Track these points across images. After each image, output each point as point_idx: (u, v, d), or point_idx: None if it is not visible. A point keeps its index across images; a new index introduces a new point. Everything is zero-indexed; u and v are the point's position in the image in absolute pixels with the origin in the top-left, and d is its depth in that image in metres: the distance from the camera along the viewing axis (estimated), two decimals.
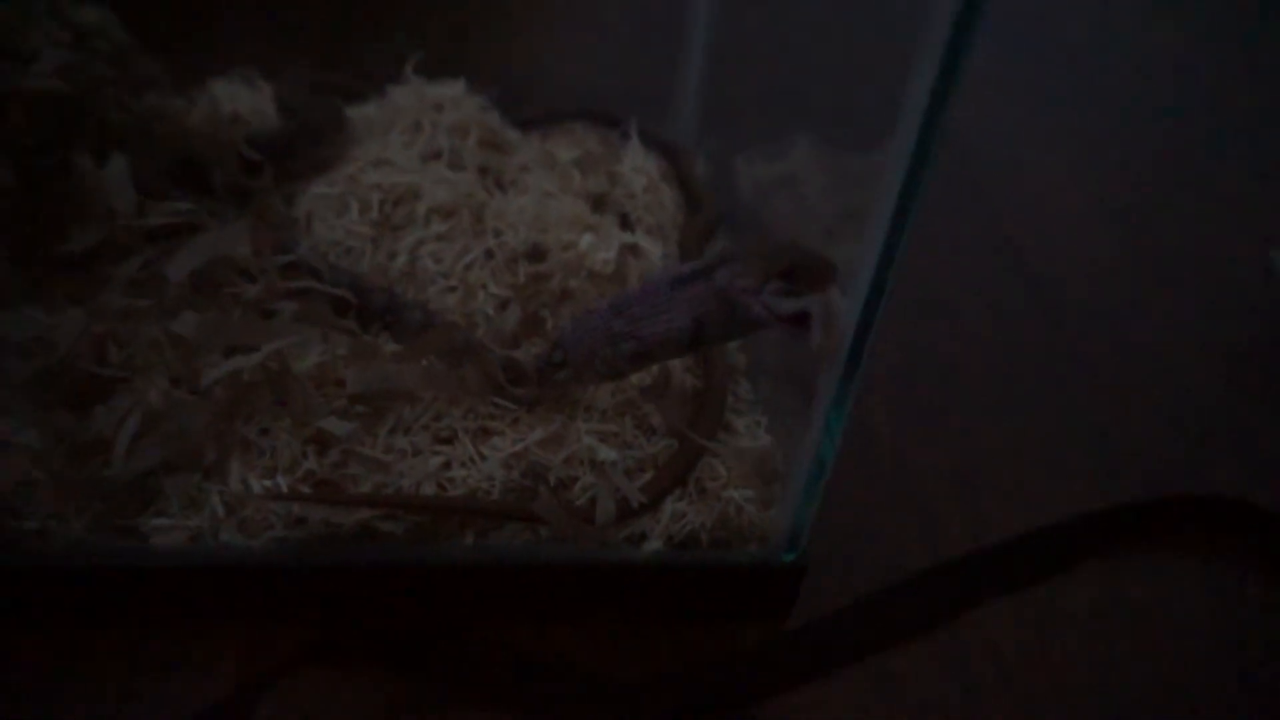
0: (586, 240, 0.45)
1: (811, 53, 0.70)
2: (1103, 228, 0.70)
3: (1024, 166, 0.77)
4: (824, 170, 0.53)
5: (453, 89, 0.53)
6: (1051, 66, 0.94)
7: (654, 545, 0.37)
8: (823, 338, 0.31)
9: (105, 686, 0.35)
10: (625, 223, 0.49)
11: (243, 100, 0.56)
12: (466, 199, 0.48)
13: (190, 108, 0.53)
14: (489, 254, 0.46)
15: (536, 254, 0.45)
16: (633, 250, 0.44)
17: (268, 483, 0.35)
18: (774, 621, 0.40)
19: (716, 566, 0.37)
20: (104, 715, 0.34)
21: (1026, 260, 0.65)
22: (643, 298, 0.35)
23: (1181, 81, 0.95)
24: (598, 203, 0.50)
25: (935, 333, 0.58)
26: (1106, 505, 0.46)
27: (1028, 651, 0.40)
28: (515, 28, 0.75)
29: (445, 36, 0.69)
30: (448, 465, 0.37)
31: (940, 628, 0.40)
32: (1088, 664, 0.40)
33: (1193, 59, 1.00)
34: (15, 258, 0.41)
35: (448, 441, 0.38)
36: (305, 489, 0.36)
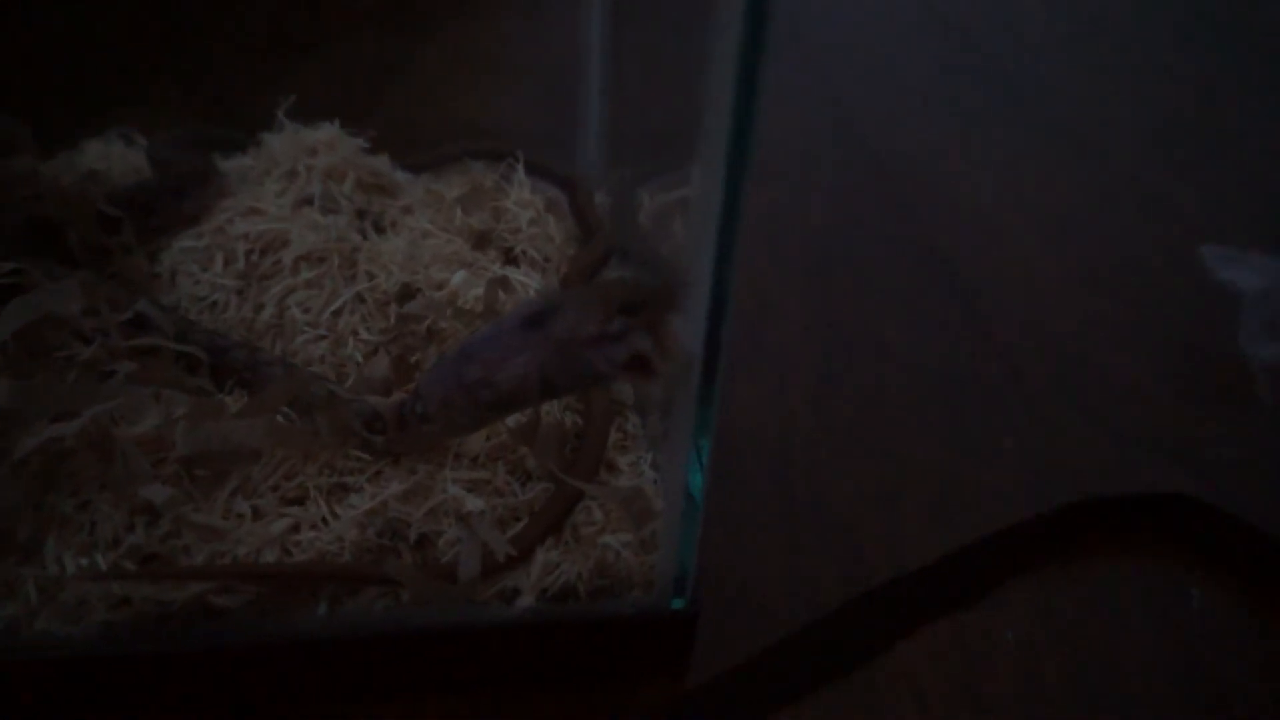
0: (458, 277, 0.42)
1: (689, 81, 0.69)
2: (1031, 237, 0.68)
3: (951, 179, 0.75)
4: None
5: (326, 132, 0.51)
6: (975, 80, 0.93)
7: (526, 601, 0.34)
8: (666, 367, 0.28)
9: None
10: (509, 258, 0.47)
11: (116, 159, 0.54)
12: (337, 244, 0.45)
13: (53, 169, 0.51)
14: (359, 299, 0.43)
15: (406, 295, 0.42)
16: (502, 284, 0.41)
17: (84, 561, 0.32)
18: (669, 679, 0.36)
19: (597, 618, 0.34)
20: None
21: (956, 272, 0.63)
22: (492, 340, 0.32)
23: (1105, 87, 0.94)
24: (481, 239, 0.48)
25: (860, 352, 0.55)
26: (1030, 516, 0.43)
27: (953, 688, 0.37)
28: (419, 75, 0.74)
29: (345, 85, 0.68)
30: (296, 528, 0.34)
31: (857, 670, 0.37)
32: (1016, 699, 0.36)
33: (1114, 64, 1.00)
34: None
35: (298, 502, 0.35)
36: (130, 565, 0.32)
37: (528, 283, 0.43)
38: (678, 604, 0.34)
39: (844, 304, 0.60)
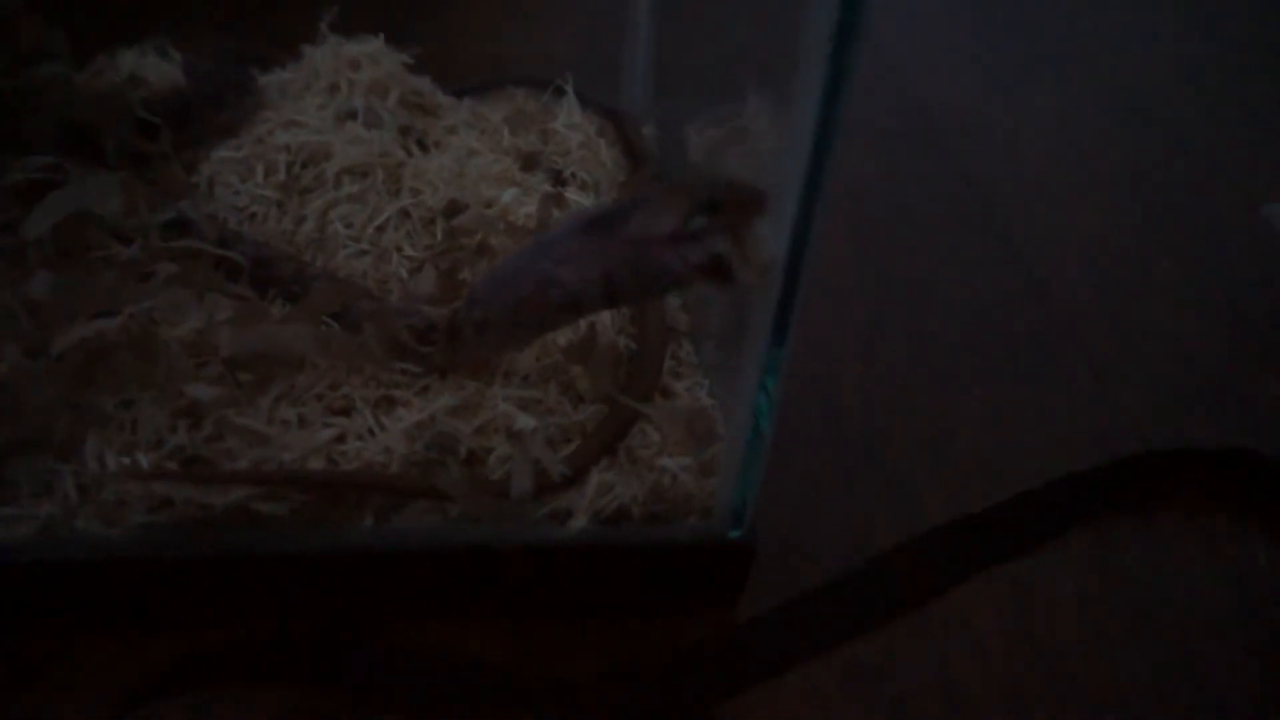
0: (509, 194, 0.41)
1: (754, 11, 0.66)
2: (1088, 196, 0.66)
3: (1005, 138, 0.73)
4: (776, 123, 0.49)
5: (370, 46, 0.49)
6: (1030, 39, 0.90)
7: (579, 523, 0.32)
8: (747, 273, 0.26)
9: None
10: (558, 180, 0.45)
11: (151, 71, 0.52)
12: (381, 159, 0.43)
13: (89, 76, 0.49)
14: (404, 215, 0.42)
15: (454, 210, 0.40)
16: (557, 201, 0.39)
17: (126, 460, 0.30)
18: (721, 611, 0.35)
19: (651, 543, 0.33)
20: None
21: (1007, 229, 0.61)
22: (564, 237, 0.31)
23: (1163, 47, 0.91)
24: (528, 161, 0.46)
25: (908, 304, 0.53)
26: (1094, 465, 0.41)
27: (1012, 636, 0.35)
28: (461, 2, 0.72)
29: (390, 11, 0.66)
30: (342, 438, 0.33)
31: (912, 611, 0.36)
32: (1078, 647, 0.35)
33: (1176, 26, 0.96)
34: None
35: (344, 413, 0.34)
36: (172, 466, 0.31)
37: (581, 202, 0.41)
38: (735, 534, 0.33)
39: (892, 251, 0.58)
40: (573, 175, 0.45)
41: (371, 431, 0.33)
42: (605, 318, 0.37)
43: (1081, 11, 0.98)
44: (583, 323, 0.37)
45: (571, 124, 0.48)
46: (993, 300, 0.54)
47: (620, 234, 0.28)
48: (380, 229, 0.41)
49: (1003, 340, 0.51)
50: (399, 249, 0.41)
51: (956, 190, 0.65)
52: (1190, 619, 0.37)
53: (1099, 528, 0.40)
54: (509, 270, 0.32)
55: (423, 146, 0.46)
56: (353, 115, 0.46)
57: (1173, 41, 0.93)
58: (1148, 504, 0.41)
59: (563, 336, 0.36)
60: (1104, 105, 0.79)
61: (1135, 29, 0.95)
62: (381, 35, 0.50)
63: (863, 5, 0.23)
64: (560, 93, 0.51)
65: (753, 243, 0.27)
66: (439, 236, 0.40)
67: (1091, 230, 0.62)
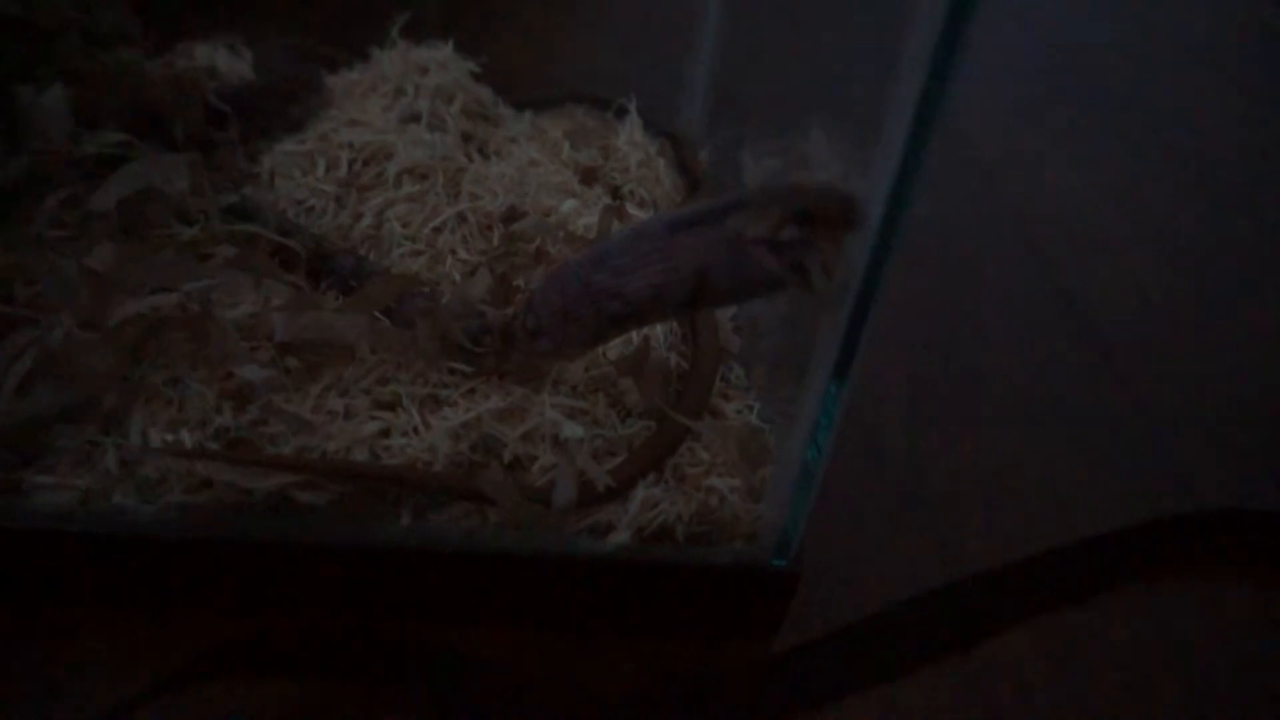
0: (568, 205, 0.41)
1: (824, 48, 0.66)
2: (1143, 251, 0.65)
3: (1063, 189, 0.72)
4: (840, 157, 0.49)
5: (440, 52, 0.49)
6: (1100, 99, 0.90)
7: (621, 537, 0.32)
8: (824, 286, 0.26)
9: None
10: (616, 196, 0.45)
11: (223, 62, 0.53)
12: (443, 162, 0.43)
13: (162, 64, 0.50)
14: (461, 218, 0.42)
15: (512, 216, 0.40)
16: (618, 214, 0.39)
17: (170, 437, 0.30)
18: (759, 640, 0.34)
19: (693, 566, 0.32)
20: None
21: (1061, 277, 0.60)
22: (630, 245, 0.30)
23: (1220, 111, 0.90)
24: (587, 175, 0.46)
25: (958, 341, 0.53)
26: (1146, 520, 0.40)
27: (1059, 686, 0.34)
28: (526, 17, 0.72)
29: (461, 21, 0.67)
30: (386, 433, 0.32)
31: (955, 653, 0.34)
32: (1126, 701, 0.33)
33: (1227, 89, 0.95)
34: None
35: (389, 408, 0.33)
36: (215, 447, 0.30)
37: (640, 218, 0.41)
38: (779, 562, 0.32)
39: (943, 291, 0.57)
40: (630, 192, 0.45)
41: (416, 430, 0.32)
42: (658, 332, 0.37)
43: (1151, 77, 0.98)
44: (635, 336, 0.36)
45: (633, 141, 0.48)
46: (1044, 346, 0.53)
47: (722, 232, 0.27)
48: (437, 230, 0.41)
49: (1053, 386, 0.50)
50: (453, 251, 0.40)
51: (1011, 236, 0.64)
52: (1240, 678, 0.35)
53: (1149, 582, 0.38)
54: (563, 281, 0.32)
55: (483, 154, 0.47)
56: (416, 118, 0.46)
57: (1239, 117, 0.92)
58: (1197, 562, 0.39)
59: (613, 349, 0.36)
60: (1165, 167, 0.78)
61: (1204, 100, 0.94)
62: (451, 42, 0.50)
63: (959, 41, 0.23)
64: (622, 112, 0.51)
65: (834, 254, 0.26)
66: (495, 242, 0.40)
67: (1145, 284, 0.60)
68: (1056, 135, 0.80)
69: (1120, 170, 0.76)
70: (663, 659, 0.33)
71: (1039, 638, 0.35)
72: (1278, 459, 0.46)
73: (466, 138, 0.47)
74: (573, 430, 0.32)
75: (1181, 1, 1.12)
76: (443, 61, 0.49)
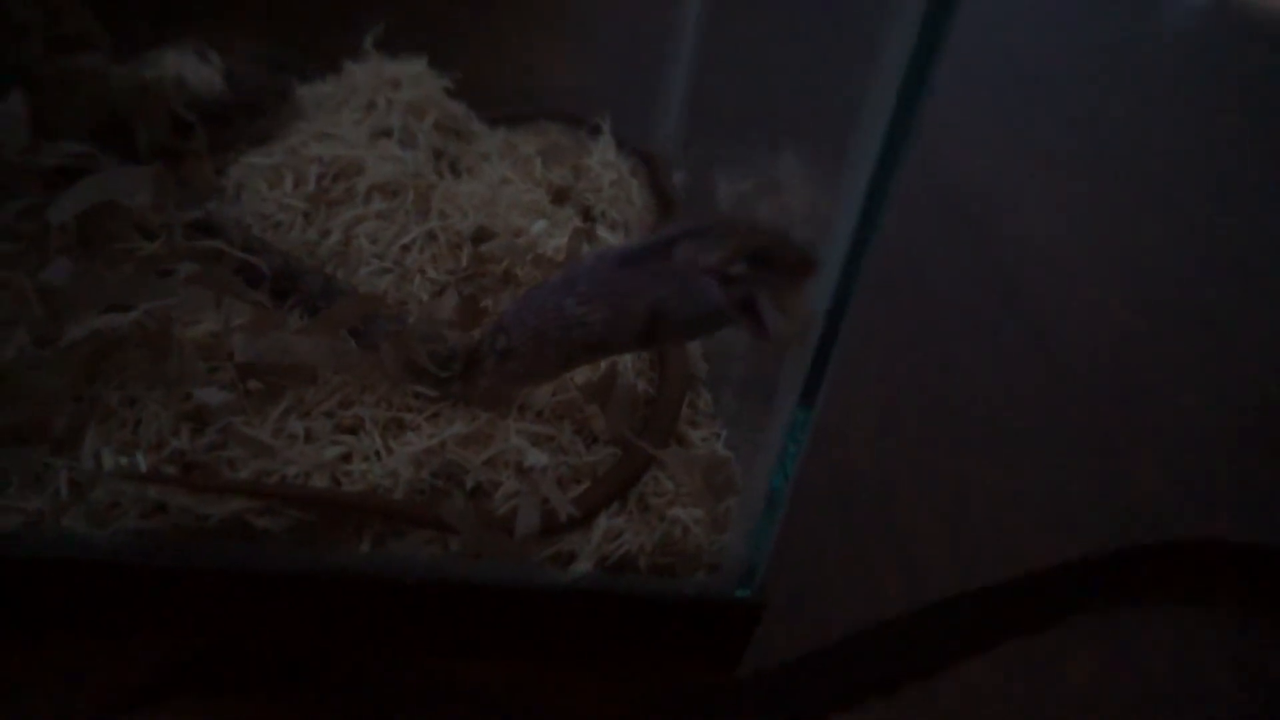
0: (538, 226, 0.40)
1: (800, 68, 0.67)
2: (1103, 278, 0.66)
3: (1023, 216, 0.73)
4: (810, 180, 0.49)
5: (413, 66, 0.49)
6: (1054, 127, 0.92)
7: (583, 567, 0.31)
8: (782, 331, 0.26)
9: None
10: (588, 216, 0.45)
11: (189, 72, 0.52)
12: (413, 179, 0.43)
13: (127, 70, 0.49)
14: (431, 237, 0.41)
15: (482, 236, 0.40)
16: (587, 236, 0.39)
17: (124, 460, 0.29)
18: (723, 667, 0.33)
19: (656, 596, 0.32)
20: None
21: (1028, 308, 0.61)
22: (590, 275, 0.30)
23: (1185, 143, 0.92)
24: (559, 195, 0.46)
25: (926, 370, 0.53)
26: (1108, 550, 0.40)
27: (1018, 713, 0.34)
28: (502, 32, 0.72)
29: (435, 34, 0.66)
30: (347, 457, 0.32)
31: (919, 680, 0.34)
32: None
33: (1195, 121, 0.98)
34: None
35: (352, 431, 0.33)
36: (171, 471, 0.30)
37: (610, 240, 0.41)
38: (743, 593, 0.32)
39: (910, 323, 0.58)
40: (603, 213, 0.45)
41: (379, 454, 0.32)
42: (626, 358, 0.37)
43: (1117, 106, 1.00)
44: (603, 362, 0.36)
45: (605, 161, 0.47)
46: (1011, 375, 0.54)
47: (666, 262, 0.27)
48: (406, 249, 0.41)
49: (1019, 414, 0.50)
50: (422, 271, 0.40)
51: (980, 266, 0.65)
52: (1201, 709, 0.35)
53: (1108, 612, 0.39)
54: (536, 303, 0.32)
55: (455, 171, 0.46)
56: (388, 133, 0.46)
57: (1205, 135, 0.95)
58: (1161, 591, 0.40)
59: (580, 375, 0.36)
60: (1136, 196, 0.79)
61: (1171, 125, 0.96)
62: (425, 57, 0.50)
63: (929, 70, 0.23)
64: (596, 130, 0.51)
65: (794, 302, 0.26)
66: (464, 261, 0.40)
67: (1112, 314, 0.61)
68: (1029, 163, 0.82)
69: (1090, 199, 0.78)
70: (626, 687, 0.33)
71: (999, 666, 0.36)
72: (1242, 489, 0.47)
73: (438, 154, 0.47)
74: (537, 457, 0.32)
75: (1146, 28, 1.15)
76: (416, 76, 0.48)
